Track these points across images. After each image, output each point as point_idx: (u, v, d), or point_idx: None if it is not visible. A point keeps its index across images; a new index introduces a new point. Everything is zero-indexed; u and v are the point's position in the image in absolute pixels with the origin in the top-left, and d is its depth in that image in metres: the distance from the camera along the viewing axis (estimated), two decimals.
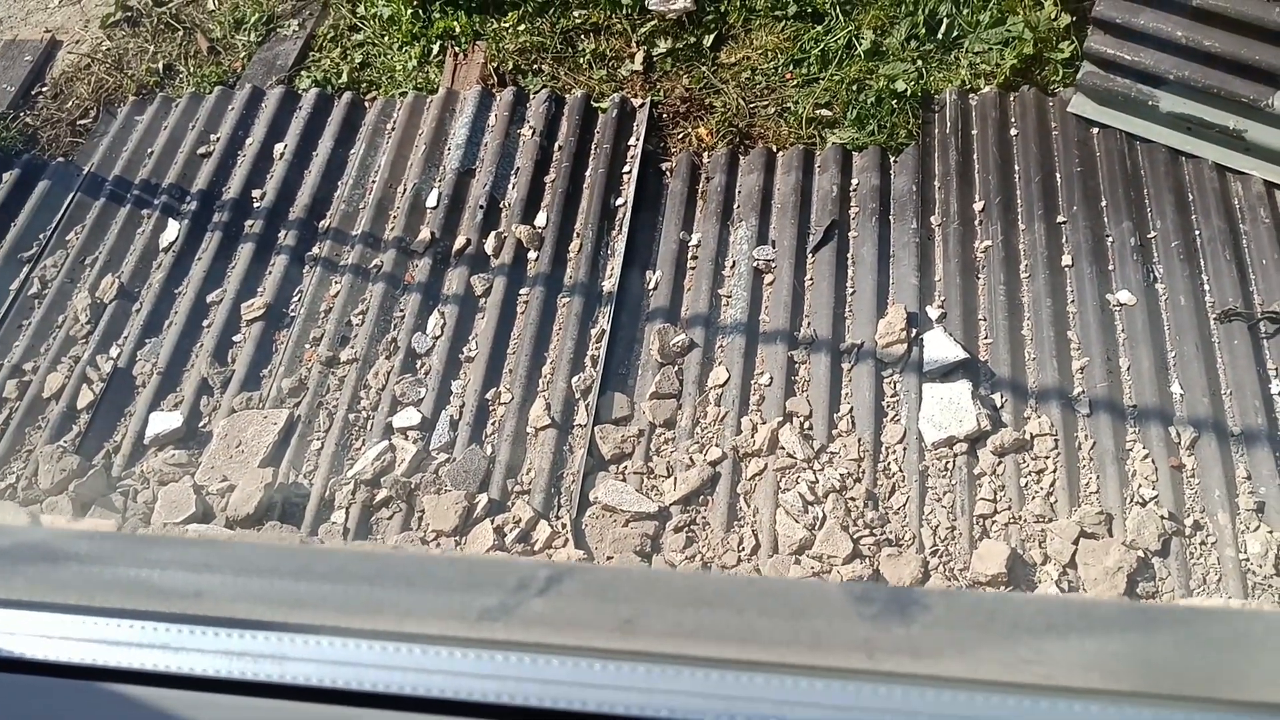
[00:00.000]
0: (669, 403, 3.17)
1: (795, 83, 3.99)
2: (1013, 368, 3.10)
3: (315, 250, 3.70)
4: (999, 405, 3.04)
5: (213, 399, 3.34)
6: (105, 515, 3.01)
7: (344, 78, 4.30)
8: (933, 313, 3.26)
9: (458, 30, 4.32)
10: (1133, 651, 0.73)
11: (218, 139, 4.10)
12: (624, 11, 4.24)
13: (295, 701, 0.77)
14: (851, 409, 3.09)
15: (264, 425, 3.19)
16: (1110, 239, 3.36)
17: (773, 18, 4.17)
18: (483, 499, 2.96)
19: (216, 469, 3.10)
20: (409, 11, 4.38)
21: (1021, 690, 0.71)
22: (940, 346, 3.12)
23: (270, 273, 3.65)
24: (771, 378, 3.17)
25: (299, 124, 4.10)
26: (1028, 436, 2.95)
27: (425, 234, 3.65)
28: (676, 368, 3.25)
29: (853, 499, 2.88)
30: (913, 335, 3.17)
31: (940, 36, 3.97)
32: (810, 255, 3.49)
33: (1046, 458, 2.91)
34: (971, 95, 3.83)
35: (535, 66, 4.20)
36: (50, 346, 3.53)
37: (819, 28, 4.09)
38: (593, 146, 3.91)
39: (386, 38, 4.44)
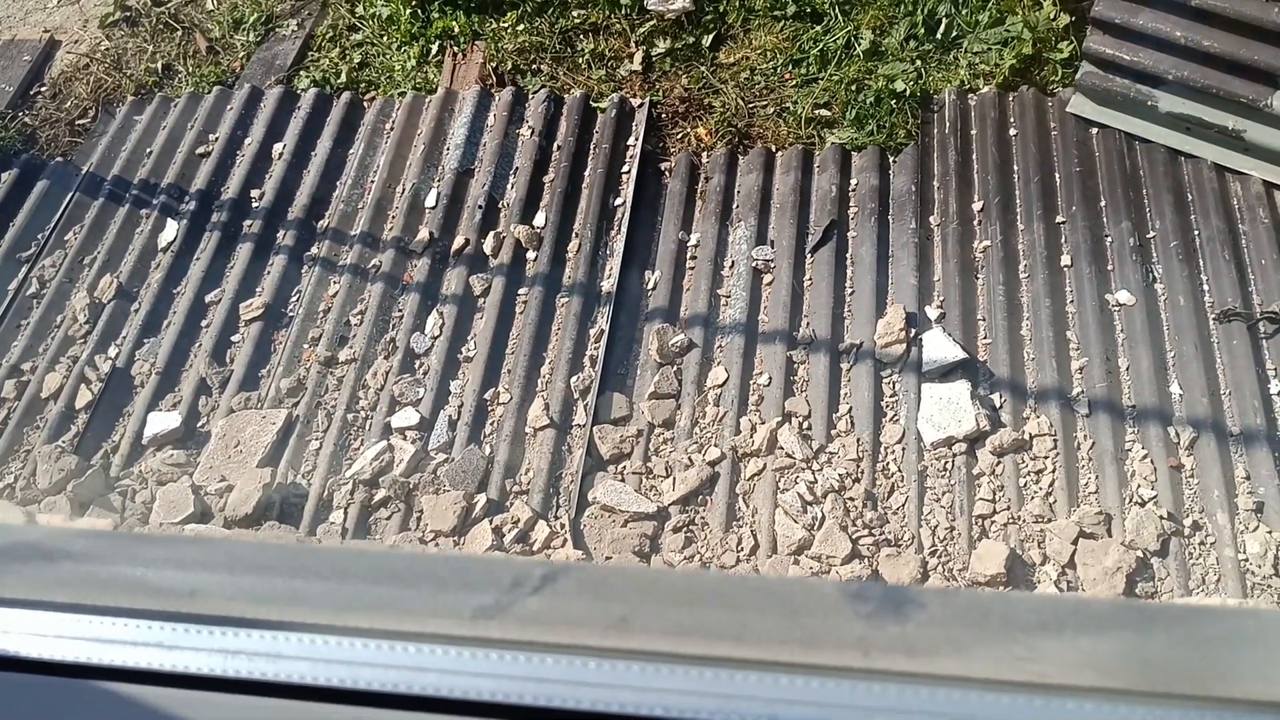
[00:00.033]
0: (668, 403, 3.17)
1: (794, 83, 3.99)
2: (1012, 368, 3.10)
3: (314, 250, 3.70)
4: (998, 405, 3.04)
5: (211, 399, 3.34)
6: (103, 515, 3.01)
7: (343, 78, 4.30)
8: (932, 313, 3.26)
9: (456, 30, 4.32)
10: (1127, 649, 0.73)
11: (216, 139, 4.10)
12: (623, 11, 4.24)
13: (290, 700, 0.77)
14: (850, 409, 3.09)
15: (262, 425, 3.19)
16: (1109, 239, 3.36)
17: (772, 18, 4.17)
18: (481, 499, 2.96)
19: (215, 469, 3.10)
20: (408, 11, 4.39)
21: (1016, 688, 0.71)
22: (939, 346, 3.12)
23: (269, 273, 3.65)
24: (770, 378, 3.17)
25: (298, 124, 4.10)
26: (1027, 437, 2.95)
27: (424, 234, 3.65)
28: (675, 368, 3.25)
29: (851, 499, 2.88)
30: (912, 335, 3.17)
31: (939, 36, 3.97)
32: (809, 255, 3.49)
33: (1045, 458, 2.91)
34: (970, 95, 3.83)
35: (534, 66, 4.20)
36: (49, 346, 3.53)
37: (818, 28, 4.09)
38: (591, 146, 3.91)
39: (385, 38, 4.44)
